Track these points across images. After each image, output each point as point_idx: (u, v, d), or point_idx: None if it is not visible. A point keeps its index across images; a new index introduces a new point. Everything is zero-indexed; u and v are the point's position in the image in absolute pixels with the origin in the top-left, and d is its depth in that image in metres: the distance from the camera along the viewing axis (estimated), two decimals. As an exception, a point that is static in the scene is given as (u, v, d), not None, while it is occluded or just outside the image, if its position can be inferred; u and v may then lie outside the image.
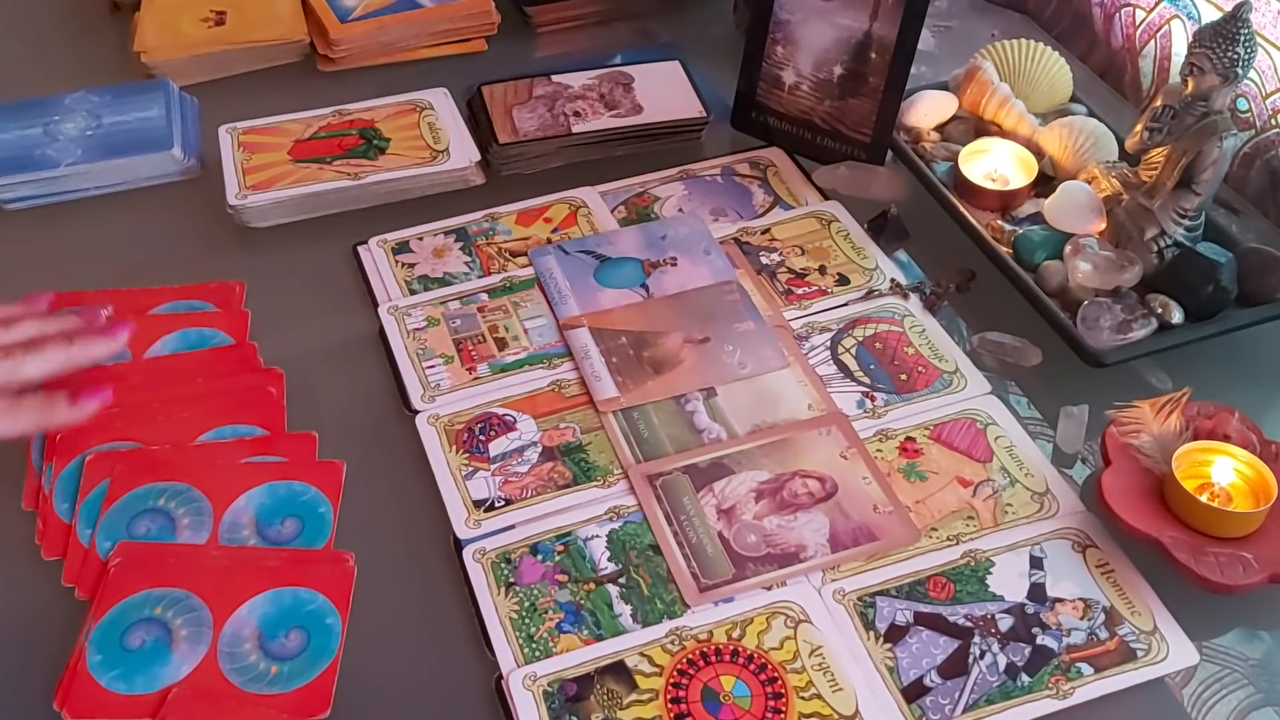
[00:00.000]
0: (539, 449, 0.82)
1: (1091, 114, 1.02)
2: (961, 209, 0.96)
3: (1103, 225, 0.92)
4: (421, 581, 0.76)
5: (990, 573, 0.75)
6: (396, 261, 0.97)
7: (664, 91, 1.11)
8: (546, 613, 0.73)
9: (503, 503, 0.79)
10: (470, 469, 0.81)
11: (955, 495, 0.80)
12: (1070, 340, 0.86)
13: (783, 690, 0.69)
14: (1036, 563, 0.75)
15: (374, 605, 0.75)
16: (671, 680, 0.70)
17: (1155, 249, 0.89)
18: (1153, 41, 1.13)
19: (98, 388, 0.76)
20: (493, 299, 0.93)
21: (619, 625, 0.73)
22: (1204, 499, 0.75)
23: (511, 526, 0.78)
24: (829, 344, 0.90)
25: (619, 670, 0.70)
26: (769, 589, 0.74)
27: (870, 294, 0.93)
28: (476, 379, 0.87)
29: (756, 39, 1.05)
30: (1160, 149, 0.88)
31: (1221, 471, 0.77)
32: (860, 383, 0.87)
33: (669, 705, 0.69)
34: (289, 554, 0.75)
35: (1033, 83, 1.04)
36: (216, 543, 0.76)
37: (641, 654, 0.71)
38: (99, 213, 1.04)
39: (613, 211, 1.02)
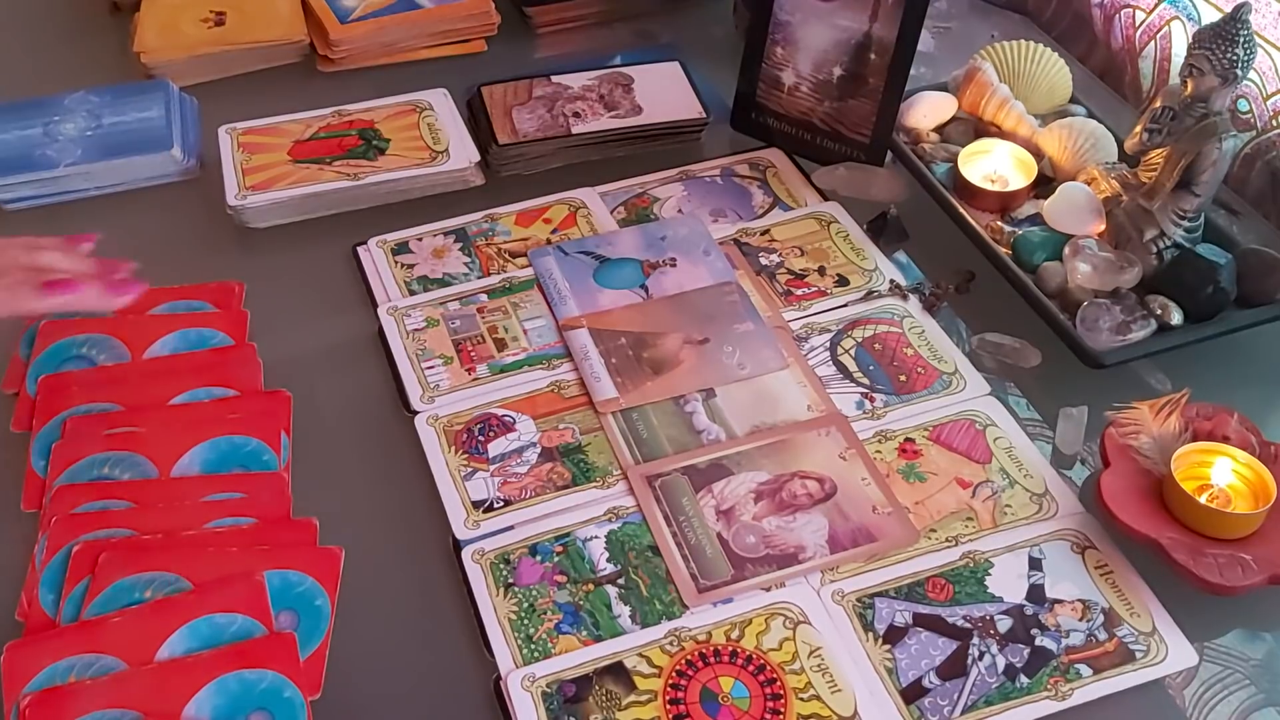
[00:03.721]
0: (538, 450, 0.82)
1: (1091, 115, 1.02)
2: (961, 210, 0.96)
3: (1102, 226, 0.92)
4: (420, 582, 0.76)
5: (989, 574, 0.75)
6: (396, 262, 0.97)
7: (664, 92, 1.11)
8: (545, 613, 0.73)
9: (502, 503, 0.79)
10: (469, 469, 0.81)
11: (954, 496, 0.80)
12: (1070, 341, 0.86)
13: (781, 691, 0.69)
14: (1035, 564, 0.75)
15: (372, 605, 0.75)
16: (670, 681, 0.70)
17: (1155, 250, 0.89)
18: (1152, 43, 1.13)
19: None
20: (492, 300, 0.93)
21: (618, 626, 0.73)
22: (1203, 500, 0.75)
23: (510, 527, 0.78)
24: (828, 345, 0.90)
25: (618, 671, 0.70)
26: (768, 590, 0.74)
27: (869, 295, 0.93)
28: (476, 380, 0.87)
29: (756, 40, 1.05)
30: (1160, 150, 0.88)
31: (1221, 473, 0.77)
32: (859, 384, 0.87)
33: (668, 706, 0.69)
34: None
35: (1032, 84, 1.04)
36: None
37: (640, 655, 0.71)
38: (99, 213, 1.04)
39: (612, 212, 1.02)
